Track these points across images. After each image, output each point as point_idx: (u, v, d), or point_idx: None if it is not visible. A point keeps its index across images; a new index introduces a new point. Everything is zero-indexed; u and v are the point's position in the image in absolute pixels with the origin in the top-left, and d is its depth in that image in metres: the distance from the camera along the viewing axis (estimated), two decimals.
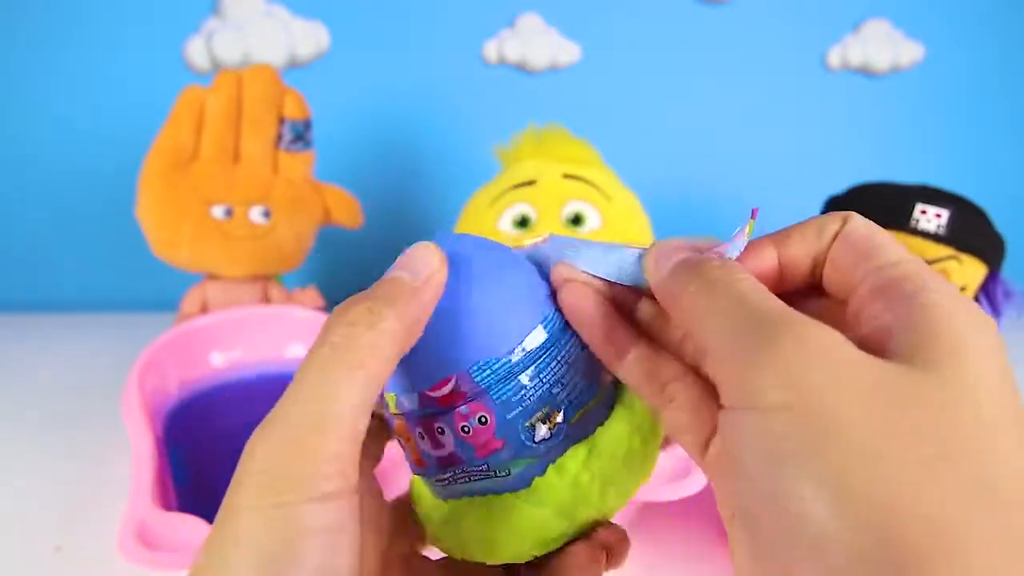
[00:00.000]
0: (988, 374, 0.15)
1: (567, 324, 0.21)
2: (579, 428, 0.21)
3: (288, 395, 0.18)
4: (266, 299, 0.65)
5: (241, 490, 0.17)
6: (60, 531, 0.46)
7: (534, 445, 0.20)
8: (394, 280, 0.19)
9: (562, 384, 0.21)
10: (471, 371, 0.20)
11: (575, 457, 0.21)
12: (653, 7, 0.81)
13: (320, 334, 0.18)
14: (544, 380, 0.20)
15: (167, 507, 0.41)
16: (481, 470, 0.21)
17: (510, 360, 0.20)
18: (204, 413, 0.54)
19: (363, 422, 0.17)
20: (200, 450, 0.51)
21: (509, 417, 0.20)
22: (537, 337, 0.20)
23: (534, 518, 0.21)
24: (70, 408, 0.61)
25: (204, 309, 0.64)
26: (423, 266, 0.19)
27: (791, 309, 0.17)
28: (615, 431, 0.22)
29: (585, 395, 0.21)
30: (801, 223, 0.21)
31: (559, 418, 0.21)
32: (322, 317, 0.59)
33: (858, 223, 0.20)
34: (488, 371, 0.20)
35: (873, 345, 0.16)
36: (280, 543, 0.16)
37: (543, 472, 0.21)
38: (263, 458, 0.17)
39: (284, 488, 0.16)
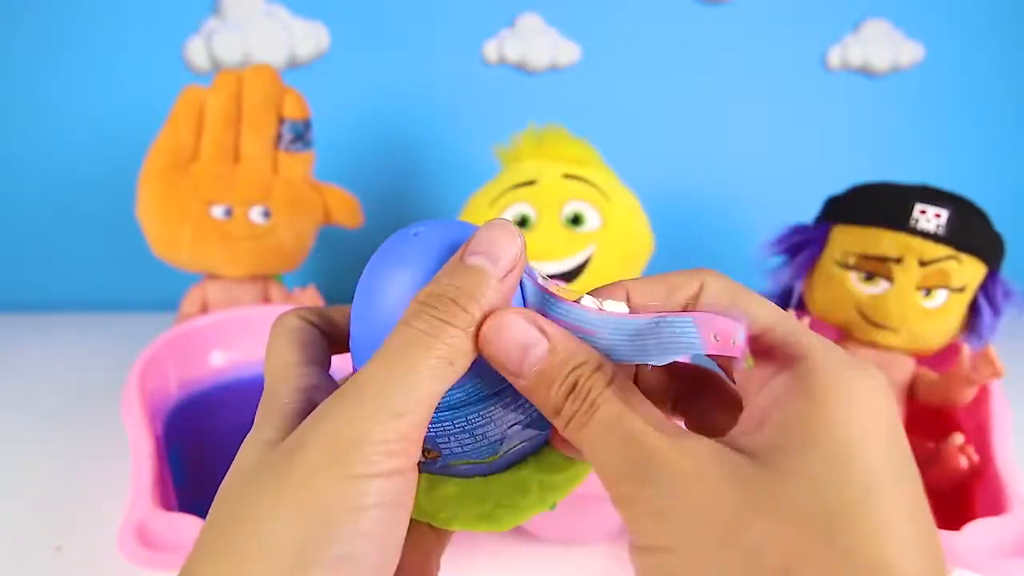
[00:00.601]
0: (827, 461, 0.16)
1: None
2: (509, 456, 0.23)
3: (371, 370, 0.18)
4: (266, 299, 0.65)
5: (310, 451, 0.17)
6: (60, 531, 0.46)
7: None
8: (479, 272, 0.19)
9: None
10: None
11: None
12: (653, 7, 0.81)
13: (407, 318, 0.18)
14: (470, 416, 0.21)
15: (167, 507, 0.41)
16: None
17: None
18: (204, 413, 0.54)
19: (433, 410, 0.18)
20: (200, 450, 0.51)
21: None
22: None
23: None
24: (70, 408, 0.61)
25: (204, 309, 0.64)
26: (506, 257, 0.19)
27: (656, 430, 0.18)
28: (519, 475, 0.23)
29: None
30: (654, 277, 0.21)
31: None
32: None
33: (714, 287, 0.20)
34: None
35: (747, 440, 0.18)
36: (345, 511, 0.17)
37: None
38: (338, 426, 0.17)
39: (356, 460, 0.17)
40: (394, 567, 0.18)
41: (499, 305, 0.19)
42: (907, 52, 0.84)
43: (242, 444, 0.19)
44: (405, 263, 0.20)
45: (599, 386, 0.18)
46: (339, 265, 0.84)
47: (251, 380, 0.57)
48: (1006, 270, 0.55)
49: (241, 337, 0.58)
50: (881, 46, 0.83)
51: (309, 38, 0.77)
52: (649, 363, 0.19)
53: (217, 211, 0.61)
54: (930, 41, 0.85)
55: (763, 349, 0.19)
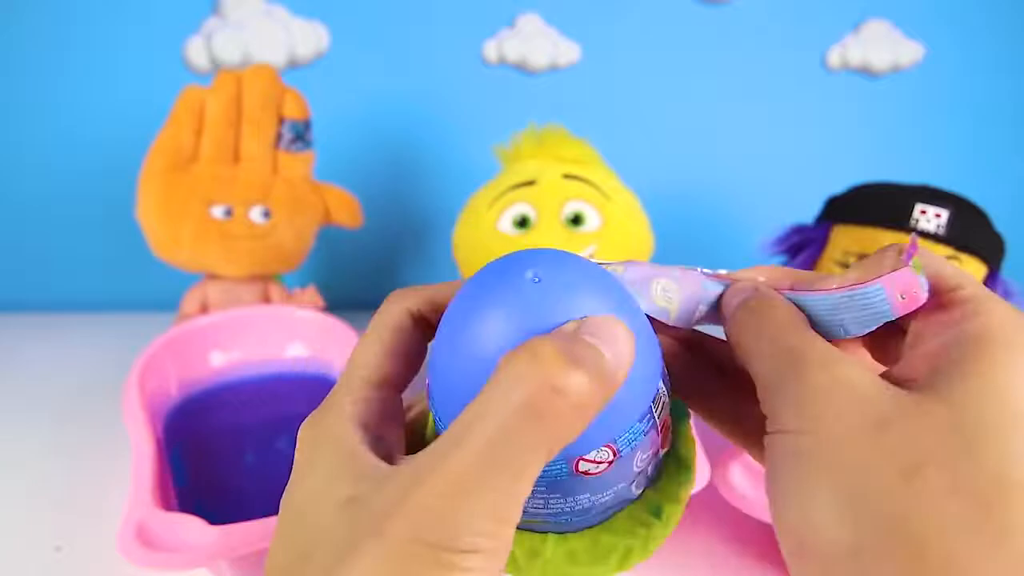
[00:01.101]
0: (1001, 399, 0.17)
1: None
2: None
3: (470, 443, 0.16)
4: (266, 299, 0.65)
5: (388, 534, 0.16)
6: (60, 531, 0.46)
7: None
8: (601, 357, 0.17)
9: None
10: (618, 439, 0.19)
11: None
12: (653, 7, 0.81)
13: (514, 379, 0.16)
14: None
15: (167, 507, 0.41)
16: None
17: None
18: (204, 413, 0.54)
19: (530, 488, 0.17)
20: (200, 450, 0.51)
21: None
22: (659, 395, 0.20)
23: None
24: (70, 408, 0.61)
25: (204, 309, 0.64)
26: (623, 355, 0.17)
27: (821, 346, 0.19)
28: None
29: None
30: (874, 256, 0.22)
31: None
32: (322, 317, 0.59)
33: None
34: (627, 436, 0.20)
35: (908, 372, 0.19)
36: None
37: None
38: (418, 506, 0.16)
39: (440, 543, 0.16)
40: None
41: (608, 397, 0.17)
42: (907, 52, 0.84)
43: (305, 473, 0.19)
44: (519, 312, 0.18)
45: (778, 297, 0.21)
46: (339, 265, 0.84)
47: (251, 380, 0.57)
48: (1006, 270, 0.55)
49: (241, 337, 0.58)
50: (881, 46, 0.83)
51: (309, 38, 0.77)
52: (847, 336, 0.20)
53: (217, 211, 0.61)
54: (930, 41, 0.85)
55: (945, 304, 0.19)
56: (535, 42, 0.80)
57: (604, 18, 0.81)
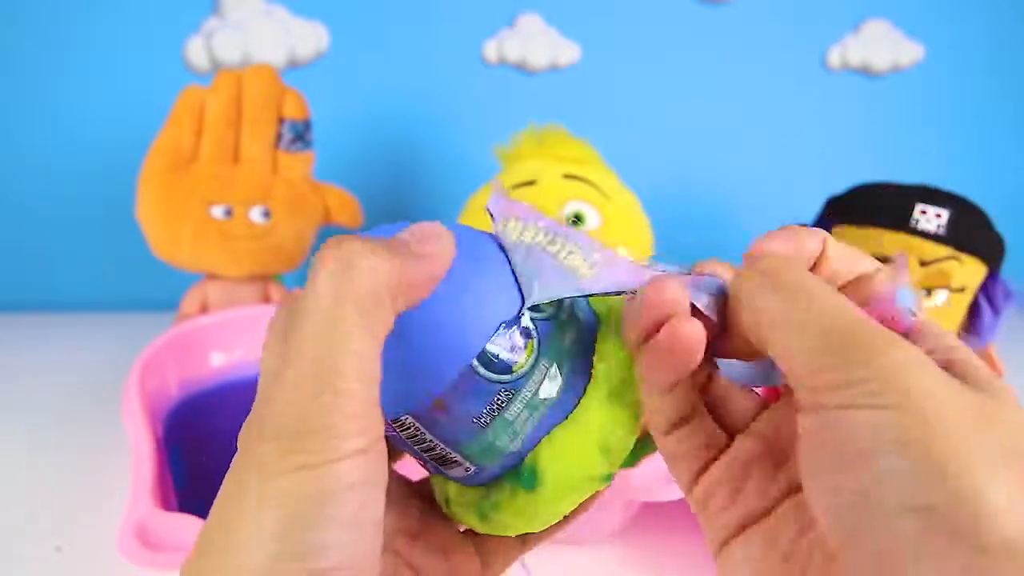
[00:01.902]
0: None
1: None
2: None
3: (293, 348, 0.17)
4: (266, 299, 0.65)
5: (258, 455, 0.16)
6: (60, 531, 0.46)
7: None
8: (396, 239, 0.19)
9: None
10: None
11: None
12: (653, 7, 0.81)
13: (315, 272, 0.18)
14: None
15: (167, 507, 0.41)
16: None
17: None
18: (204, 413, 0.54)
19: (379, 365, 0.17)
20: (200, 450, 0.51)
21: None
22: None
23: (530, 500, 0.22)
24: (70, 408, 0.61)
25: (204, 309, 0.64)
26: (433, 243, 0.19)
27: (878, 325, 0.17)
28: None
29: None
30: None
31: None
32: None
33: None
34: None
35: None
36: (311, 503, 0.16)
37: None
38: (280, 421, 0.16)
39: (309, 449, 0.16)
40: (378, 547, 0.17)
41: (419, 274, 0.19)
42: (907, 52, 0.84)
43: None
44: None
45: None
46: None
47: (251, 380, 0.57)
48: (1006, 270, 0.55)
49: (241, 337, 0.58)
50: (881, 46, 0.83)
51: (309, 38, 0.77)
52: None
53: (217, 211, 0.61)
54: (930, 41, 0.85)
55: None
56: (535, 42, 0.80)
57: (604, 18, 0.81)
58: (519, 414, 0.21)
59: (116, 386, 0.53)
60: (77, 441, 0.56)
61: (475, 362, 0.20)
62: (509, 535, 0.23)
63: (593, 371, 0.22)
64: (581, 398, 0.22)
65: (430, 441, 0.21)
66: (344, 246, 0.18)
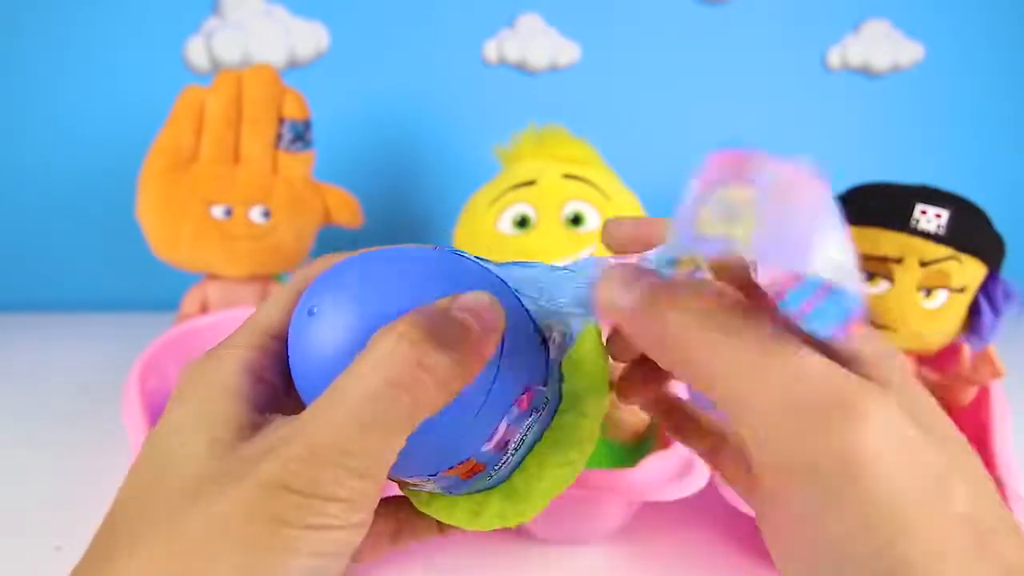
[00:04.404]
0: None
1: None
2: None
3: (342, 406, 0.17)
4: (266, 299, 0.65)
5: (269, 464, 0.17)
6: (60, 531, 0.46)
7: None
8: (468, 332, 0.18)
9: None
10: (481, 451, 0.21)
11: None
12: (653, 7, 0.81)
13: (384, 354, 0.17)
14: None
15: None
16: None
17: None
18: None
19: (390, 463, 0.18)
20: None
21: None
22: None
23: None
24: (70, 408, 0.61)
25: (204, 309, 0.64)
26: (490, 330, 0.19)
27: (835, 371, 0.17)
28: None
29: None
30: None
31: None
32: None
33: None
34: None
35: None
36: (275, 555, 0.16)
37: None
38: (285, 473, 0.16)
39: (293, 513, 0.16)
40: None
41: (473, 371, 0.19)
42: (907, 52, 0.84)
43: (183, 417, 0.19)
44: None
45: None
46: None
47: None
48: (1006, 270, 0.55)
49: None
50: (881, 46, 0.83)
51: (309, 38, 0.77)
52: None
53: (217, 211, 0.61)
54: (930, 41, 0.85)
55: None
56: (535, 42, 0.80)
57: (604, 18, 0.81)
58: (516, 452, 0.22)
59: (116, 386, 0.53)
60: (77, 441, 0.56)
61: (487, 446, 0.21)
62: (495, 527, 0.23)
63: (562, 389, 0.24)
64: (554, 415, 0.23)
65: (430, 488, 0.22)
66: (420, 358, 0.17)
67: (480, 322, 0.18)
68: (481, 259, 0.23)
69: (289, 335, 0.20)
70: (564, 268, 0.22)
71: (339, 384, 0.17)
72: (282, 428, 0.18)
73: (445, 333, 0.18)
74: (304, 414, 0.18)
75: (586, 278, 0.21)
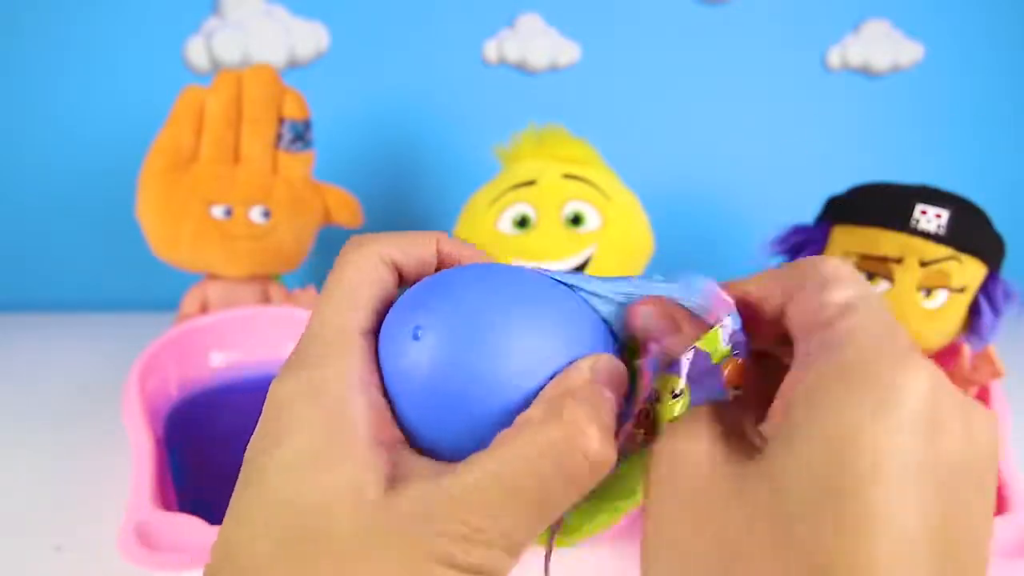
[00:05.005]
0: (817, 459, 0.15)
1: None
2: None
3: (505, 482, 0.17)
4: (266, 299, 0.65)
5: (429, 526, 0.16)
6: (60, 531, 0.46)
7: None
8: (612, 409, 0.18)
9: None
10: None
11: None
12: (653, 7, 0.81)
13: (549, 442, 0.17)
14: None
15: (167, 507, 0.41)
16: None
17: None
18: (204, 413, 0.54)
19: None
20: (200, 450, 0.51)
21: None
22: None
23: None
24: (70, 408, 0.61)
25: (204, 309, 0.64)
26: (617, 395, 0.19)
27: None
28: None
29: None
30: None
31: None
32: None
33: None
34: None
35: (766, 428, 0.17)
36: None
37: None
38: (462, 515, 0.16)
39: (458, 556, 0.16)
40: None
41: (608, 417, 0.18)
42: (907, 52, 0.84)
43: (301, 454, 0.17)
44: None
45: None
46: None
47: (251, 380, 0.57)
48: (1006, 270, 0.55)
49: (241, 337, 0.58)
50: (881, 46, 0.83)
51: (309, 38, 0.77)
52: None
53: (217, 211, 0.61)
54: (930, 41, 0.84)
55: (812, 324, 0.18)
56: (535, 42, 0.80)
57: (604, 18, 0.81)
58: None
59: (116, 386, 0.53)
60: (77, 441, 0.56)
61: None
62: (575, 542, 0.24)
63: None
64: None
65: None
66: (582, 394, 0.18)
67: (616, 395, 0.18)
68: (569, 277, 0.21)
69: (385, 354, 0.19)
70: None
71: (498, 456, 0.17)
72: (433, 493, 0.17)
73: (600, 415, 0.17)
74: (457, 486, 0.17)
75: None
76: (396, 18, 0.78)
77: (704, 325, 0.19)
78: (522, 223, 0.58)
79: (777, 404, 0.17)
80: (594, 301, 0.20)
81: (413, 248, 0.20)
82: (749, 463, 0.16)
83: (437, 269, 0.21)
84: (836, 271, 0.18)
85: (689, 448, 0.18)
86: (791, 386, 0.17)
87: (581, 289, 0.20)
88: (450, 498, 0.16)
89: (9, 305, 0.82)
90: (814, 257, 0.19)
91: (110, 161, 0.76)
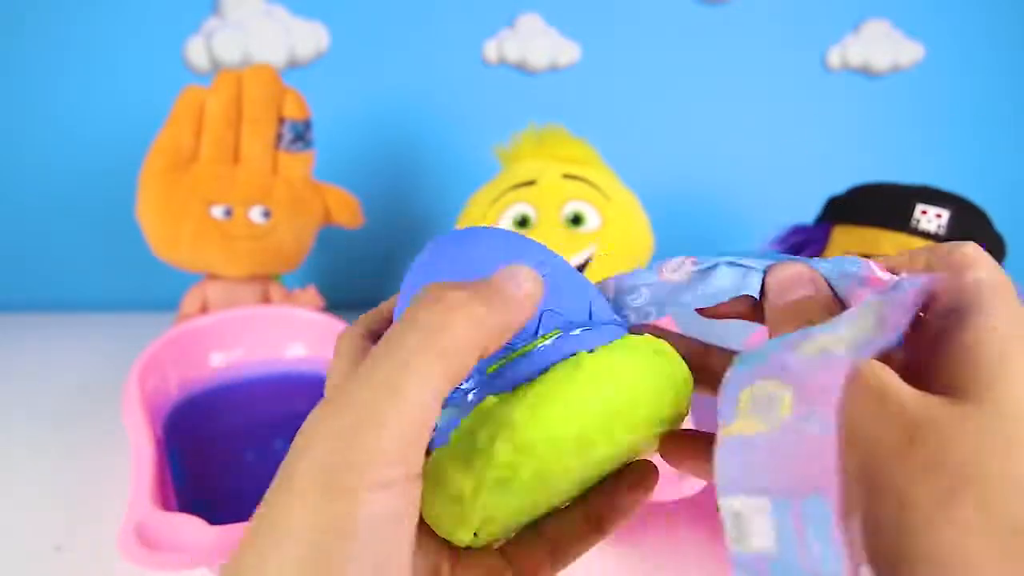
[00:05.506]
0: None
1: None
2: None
3: (363, 375, 0.17)
4: (266, 299, 0.65)
5: (294, 476, 0.16)
6: (60, 531, 0.46)
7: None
8: (492, 283, 0.19)
9: None
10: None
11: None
12: (653, 7, 0.81)
13: (408, 314, 0.17)
14: None
15: (167, 507, 0.41)
16: None
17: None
18: (204, 413, 0.54)
19: (437, 410, 0.17)
20: (200, 450, 0.51)
21: None
22: None
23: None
24: (70, 408, 0.61)
25: (204, 309, 0.64)
26: (525, 284, 0.19)
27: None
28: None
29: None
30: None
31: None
32: (322, 317, 0.59)
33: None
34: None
35: (929, 374, 0.18)
36: (334, 534, 0.15)
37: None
38: (321, 443, 0.16)
39: (341, 474, 0.16)
40: None
41: (510, 319, 0.18)
42: (907, 52, 0.84)
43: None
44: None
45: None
46: (339, 265, 0.84)
47: (251, 380, 0.57)
48: (1006, 270, 0.55)
49: (241, 337, 0.58)
50: (881, 46, 0.83)
51: (309, 38, 0.77)
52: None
53: (217, 211, 0.61)
54: (930, 41, 0.85)
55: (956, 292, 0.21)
56: (535, 42, 0.80)
57: (604, 18, 0.81)
58: None
59: (116, 386, 0.53)
60: (77, 441, 0.56)
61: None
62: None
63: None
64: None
65: None
66: (445, 300, 0.17)
67: (515, 283, 0.19)
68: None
69: None
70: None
71: (375, 351, 0.18)
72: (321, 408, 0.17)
73: (478, 291, 0.18)
74: (340, 385, 0.17)
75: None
76: (396, 18, 0.78)
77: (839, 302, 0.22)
78: (522, 223, 0.58)
79: (962, 357, 0.18)
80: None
81: (385, 309, 0.24)
82: (955, 400, 0.17)
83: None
84: (976, 252, 0.21)
85: (894, 380, 0.18)
86: (965, 345, 0.18)
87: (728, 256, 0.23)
88: None
89: (9, 305, 0.82)
90: (954, 243, 0.21)
91: (110, 161, 0.76)
